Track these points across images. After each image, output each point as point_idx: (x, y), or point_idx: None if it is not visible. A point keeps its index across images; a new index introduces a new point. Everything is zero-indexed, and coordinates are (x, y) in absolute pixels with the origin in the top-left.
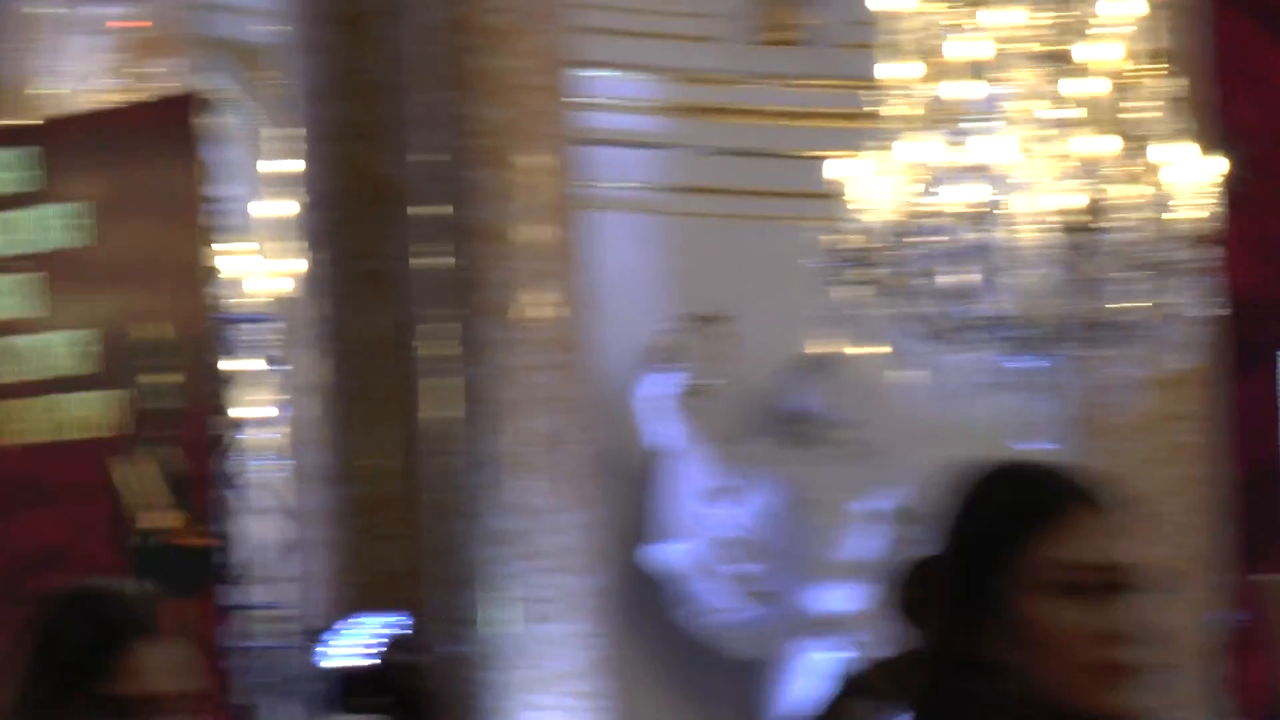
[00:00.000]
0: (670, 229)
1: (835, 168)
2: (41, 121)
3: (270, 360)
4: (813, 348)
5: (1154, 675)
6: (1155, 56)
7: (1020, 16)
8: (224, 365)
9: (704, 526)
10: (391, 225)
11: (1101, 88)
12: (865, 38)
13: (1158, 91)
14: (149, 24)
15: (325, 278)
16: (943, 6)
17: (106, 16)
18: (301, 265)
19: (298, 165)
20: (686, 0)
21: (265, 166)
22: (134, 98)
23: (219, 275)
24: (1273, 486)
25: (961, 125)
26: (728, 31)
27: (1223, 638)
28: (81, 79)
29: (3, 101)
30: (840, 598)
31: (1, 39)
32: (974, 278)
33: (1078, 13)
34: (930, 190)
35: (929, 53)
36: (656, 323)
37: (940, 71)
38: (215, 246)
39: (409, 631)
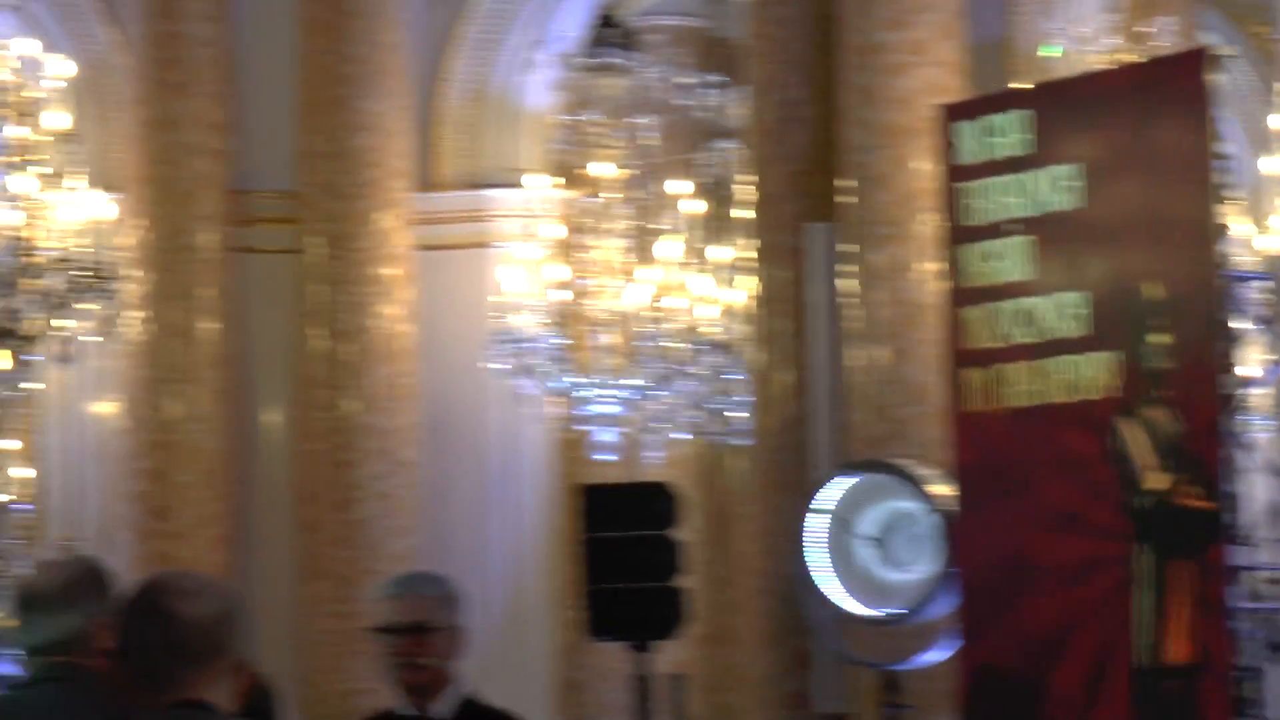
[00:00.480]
0: None
1: None
2: (1032, 85)
3: (1258, 320)
4: None
5: None
6: None
7: None
8: (1229, 324)
9: None
10: None
11: None
12: None
13: None
14: None
15: None
16: None
17: None
18: None
19: None
20: None
21: (1273, 122)
22: (1127, 57)
23: (1226, 234)
24: None
25: None
26: None
27: None
28: (1083, 41)
29: (1013, 66)
30: None
31: (1014, 5)
32: None
33: None
34: None
35: None
36: None
37: None
38: (1222, 205)
39: None
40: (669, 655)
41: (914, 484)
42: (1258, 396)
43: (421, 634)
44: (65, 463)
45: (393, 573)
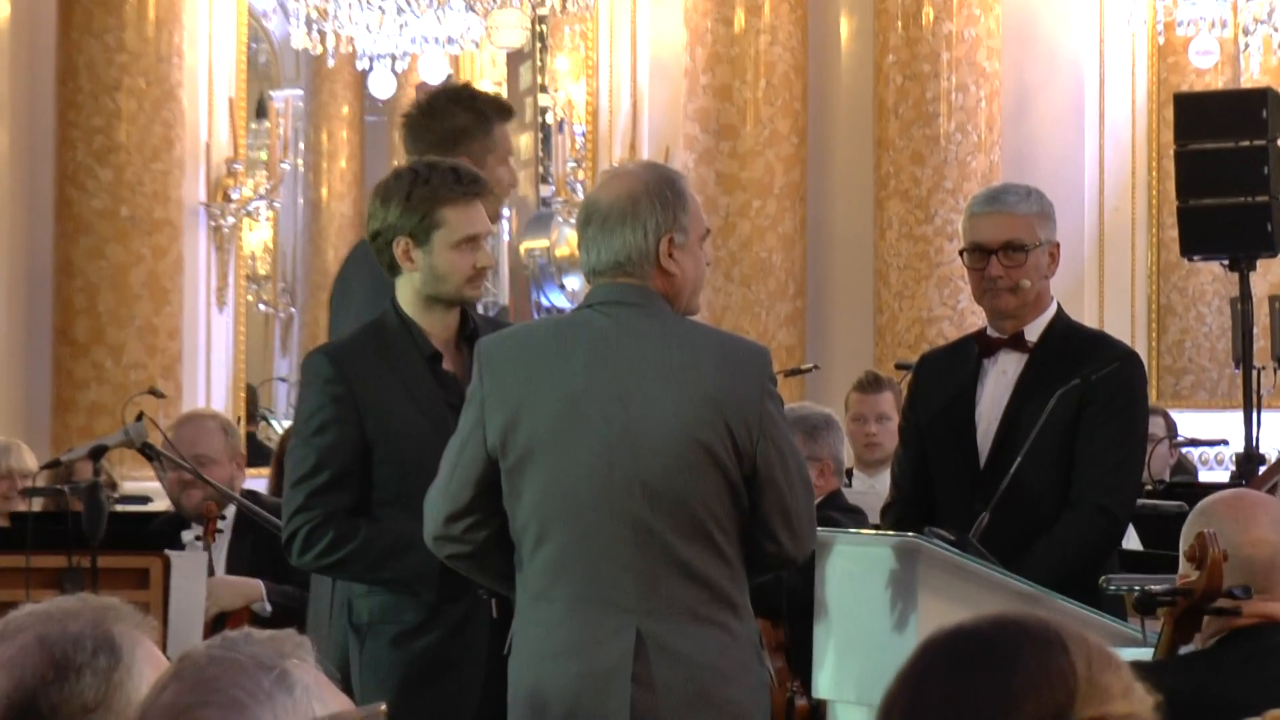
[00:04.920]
0: None
1: None
2: None
3: None
4: None
5: None
6: None
7: None
8: None
9: None
10: None
11: None
12: None
13: None
14: None
15: None
16: None
17: None
18: None
19: None
20: None
21: None
22: None
23: None
24: None
25: None
26: None
27: None
28: None
29: None
30: None
31: None
32: None
33: None
34: None
35: None
36: None
37: None
38: None
39: None
40: (1269, 275)
41: None
42: None
43: (1015, 252)
44: (620, 80)
45: (974, 191)
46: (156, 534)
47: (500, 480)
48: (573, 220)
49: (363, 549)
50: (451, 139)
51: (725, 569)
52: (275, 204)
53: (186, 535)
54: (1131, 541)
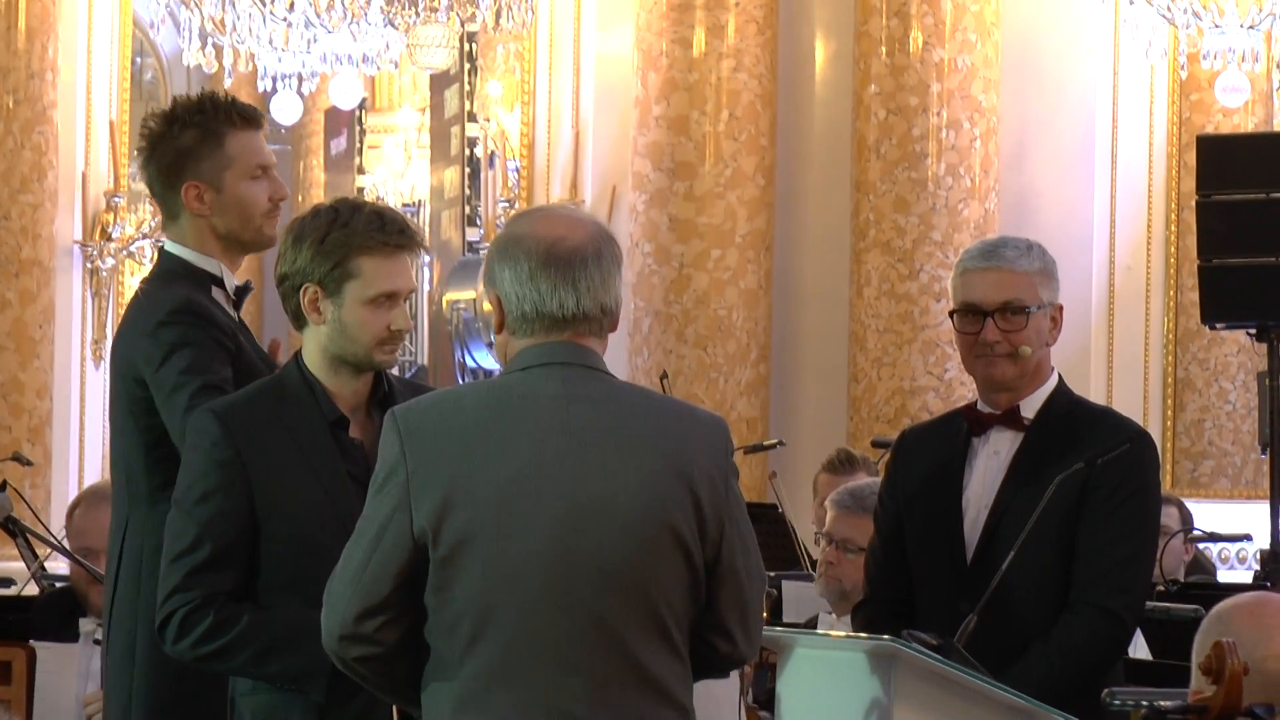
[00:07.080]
0: None
1: None
2: None
3: None
4: None
5: None
6: None
7: None
8: None
9: None
10: None
11: None
12: None
13: None
14: None
15: None
16: None
17: None
18: None
19: None
20: None
21: None
22: None
23: None
24: None
25: None
26: None
27: None
28: None
29: None
30: None
31: None
32: None
33: None
34: None
35: None
36: None
37: None
38: None
39: None
40: None
41: None
42: None
43: (1014, 314)
44: (561, 109)
45: (966, 243)
46: (43, 612)
47: (421, 571)
48: None
49: (246, 638)
50: (177, 165)
51: (679, 670)
52: (161, 243)
53: (86, 624)
54: (1139, 650)
